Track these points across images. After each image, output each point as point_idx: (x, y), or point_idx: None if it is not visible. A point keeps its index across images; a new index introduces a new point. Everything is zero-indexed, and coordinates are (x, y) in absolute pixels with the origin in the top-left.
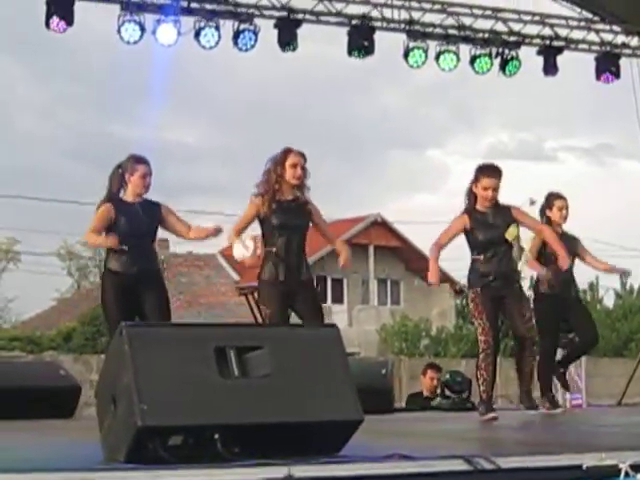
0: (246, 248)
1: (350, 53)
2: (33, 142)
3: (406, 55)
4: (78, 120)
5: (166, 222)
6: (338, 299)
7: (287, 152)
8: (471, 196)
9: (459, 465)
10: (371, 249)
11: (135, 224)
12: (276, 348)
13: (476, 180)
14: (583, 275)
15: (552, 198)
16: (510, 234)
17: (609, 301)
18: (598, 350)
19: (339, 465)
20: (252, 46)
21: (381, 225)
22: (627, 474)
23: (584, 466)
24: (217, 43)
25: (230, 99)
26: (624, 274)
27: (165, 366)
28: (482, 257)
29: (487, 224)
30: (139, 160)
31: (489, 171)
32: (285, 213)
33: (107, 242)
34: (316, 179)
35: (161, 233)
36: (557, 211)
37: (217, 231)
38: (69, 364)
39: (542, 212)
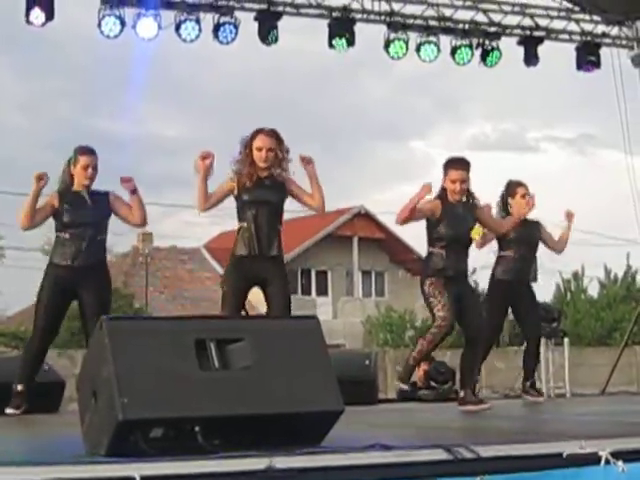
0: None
1: (331, 45)
2: (15, 136)
3: (387, 46)
4: (61, 114)
5: (115, 209)
6: (322, 291)
7: (254, 134)
8: (442, 192)
9: (440, 454)
10: (355, 241)
11: (79, 213)
12: (256, 340)
13: (444, 173)
14: (567, 265)
15: (513, 186)
16: (476, 232)
17: (593, 290)
18: (582, 339)
19: (320, 456)
20: (233, 39)
21: (365, 217)
22: (607, 461)
23: (564, 454)
24: (197, 36)
25: (212, 92)
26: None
27: (145, 359)
28: (444, 252)
29: (457, 218)
30: (82, 151)
31: (456, 164)
32: (255, 189)
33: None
34: (299, 172)
35: (148, 227)
36: (520, 199)
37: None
38: (53, 359)
39: (504, 201)
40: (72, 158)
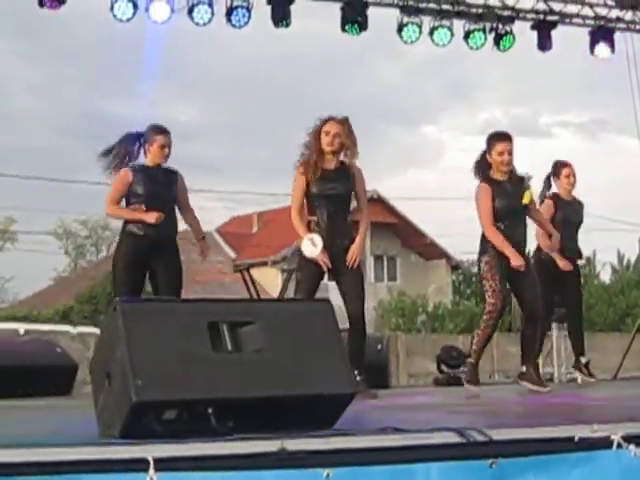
0: (315, 246)
1: (344, 29)
2: (29, 121)
3: (400, 31)
4: (73, 98)
5: (177, 191)
6: None
7: (324, 121)
8: (484, 165)
9: (451, 437)
10: None
11: (154, 188)
12: (269, 323)
13: (490, 148)
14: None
15: (559, 166)
16: (527, 198)
17: (605, 276)
18: (595, 324)
19: (332, 438)
20: (246, 23)
21: (377, 201)
22: (619, 445)
23: (576, 438)
24: (210, 20)
25: (225, 76)
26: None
27: (159, 341)
28: (501, 225)
29: (506, 192)
30: (158, 130)
31: (501, 136)
32: (324, 182)
33: (131, 214)
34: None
35: None
36: (564, 179)
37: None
38: (67, 342)
39: (548, 181)
40: (145, 136)
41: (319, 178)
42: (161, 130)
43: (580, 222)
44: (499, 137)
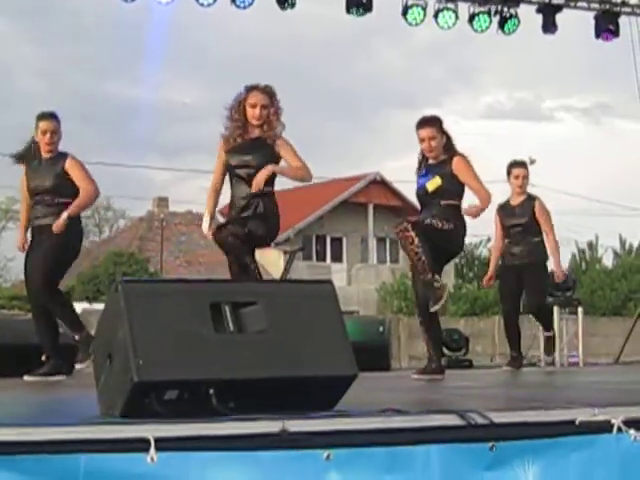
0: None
1: (348, 11)
2: (33, 102)
3: (405, 13)
4: (77, 80)
5: (69, 173)
6: (337, 258)
7: (248, 90)
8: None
9: (453, 420)
10: (370, 208)
11: (38, 180)
12: (271, 304)
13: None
14: (582, 235)
15: (510, 166)
16: (431, 184)
17: (608, 261)
18: (597, 309)
19: (333, 419)
20: (250, 4)
21: (380, 184)
22: (619, 429)
23: (577, 421)
24: (215, 1)
25: (229, 58)
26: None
27: (161, 321)
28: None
29: (420, 176)
30: (39, 116)
31: (419, 123)
32: (243, 152)
33: (18, 238)
34: (314, 139)
35: (160, 192)
36: (514, 179)
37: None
38: None
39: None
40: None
41: (237, 149)
42: (42, 116)
43: (524, 224)
44: (417, 124)
